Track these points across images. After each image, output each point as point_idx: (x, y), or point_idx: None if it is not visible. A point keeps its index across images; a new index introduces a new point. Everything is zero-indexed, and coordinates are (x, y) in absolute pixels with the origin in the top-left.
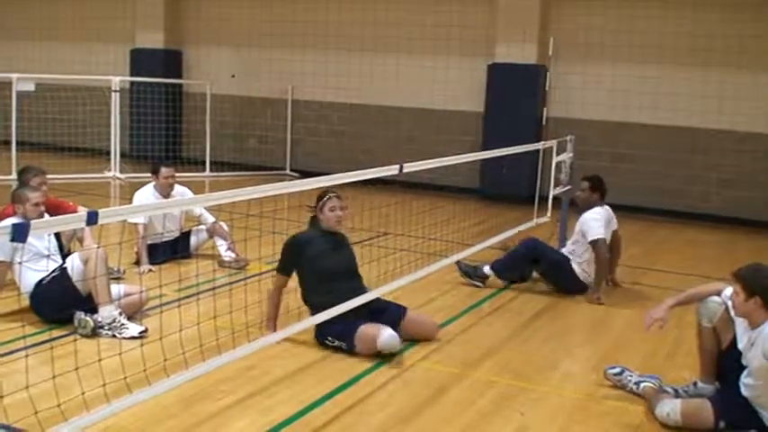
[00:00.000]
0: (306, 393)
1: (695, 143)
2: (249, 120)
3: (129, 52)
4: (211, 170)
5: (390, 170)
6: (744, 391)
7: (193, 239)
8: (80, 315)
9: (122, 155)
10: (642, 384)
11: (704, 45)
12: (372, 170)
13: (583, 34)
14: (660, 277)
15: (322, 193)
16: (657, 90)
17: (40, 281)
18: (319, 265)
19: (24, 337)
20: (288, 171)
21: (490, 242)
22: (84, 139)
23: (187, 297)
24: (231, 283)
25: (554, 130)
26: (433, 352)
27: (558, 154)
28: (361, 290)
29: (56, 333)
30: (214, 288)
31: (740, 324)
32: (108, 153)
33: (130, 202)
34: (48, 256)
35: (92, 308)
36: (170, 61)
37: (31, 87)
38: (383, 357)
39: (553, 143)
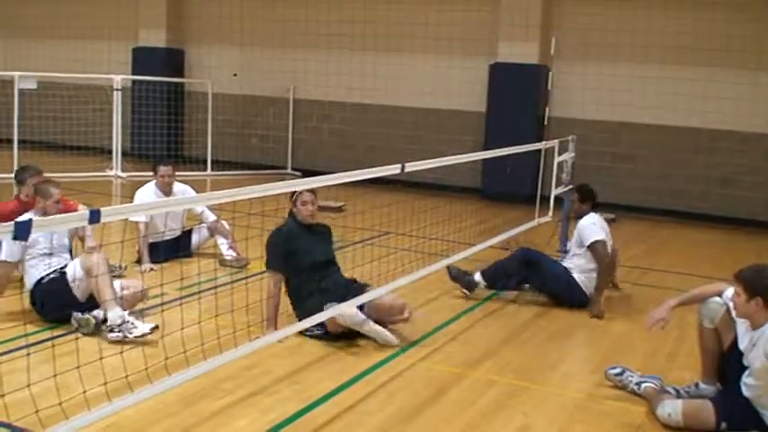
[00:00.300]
0: (307, 392)
1: (697, 143)
2: (251, 119)
3: (132, 51)
4: (213, 169)
5: (392, 169)
6: (745, 392)
7: (195, 238)
8: (77, 315)
9: (124, 153)
10: (643, 385)
11: (706, 45)
12: (374, 169)
13: (585, 34)
14: (661, 277)
15: None
16: (659, 90)
17: (40, 280)
18: (297, 257)
19: (26, 336)
20: (289, 170)
21: (492, 242)
22: (86, 138)
23: (188, 296)
24: (232, 282)
25: (556, 130)
26: (433, 352)
27: (559, 154)
28: (339, 280)
29: (57, 332)
30: (215, 287)
31: (741, 325)
32: (110, 152)
33: (131, 201)
34: (50, 254)
35: (89, 307)
36: (172, 60)
37: (32, 85)
38: (384, 357)
39: (555, 143)
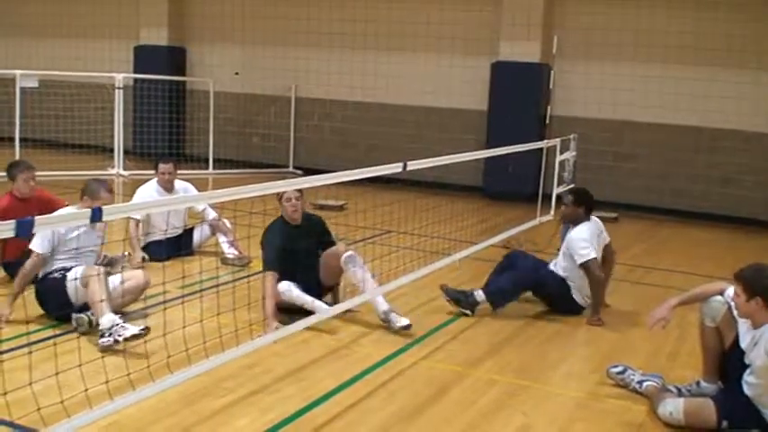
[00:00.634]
0: (308, 391)
1: (698, 142)
2: (252, 117)
3: (133, 49)
4: (214, 167)
5: (394, 168)
6: (746, 390)
7: (196, 236)
8: (75, 316)
9: (126, 152)
10: (645, 383)
11: (707, 44)
12: (376, 168)
13: (586, 33)
14: (663, 276)
15: None
16: (661, 89)
17: (45, 276)
18: (284, 254)
19: (27, 334)
20: (291, 169)
21: (493, 241)
22: (88, 136)
23: (190, 294)
24: (234, 281)
25: (557, 129)
26: (434, 350)
27: (561, 152)
28: (313, 278)
29: (59, 330)
30: (217, 285)
31: (743, 323)
32: (111, 150)
33: (131, 199)
34: (76, 257)
35: (87, 308)
36: (174, 58)
37: (34, 84)
38: (385, 355)
39: (556, 142)
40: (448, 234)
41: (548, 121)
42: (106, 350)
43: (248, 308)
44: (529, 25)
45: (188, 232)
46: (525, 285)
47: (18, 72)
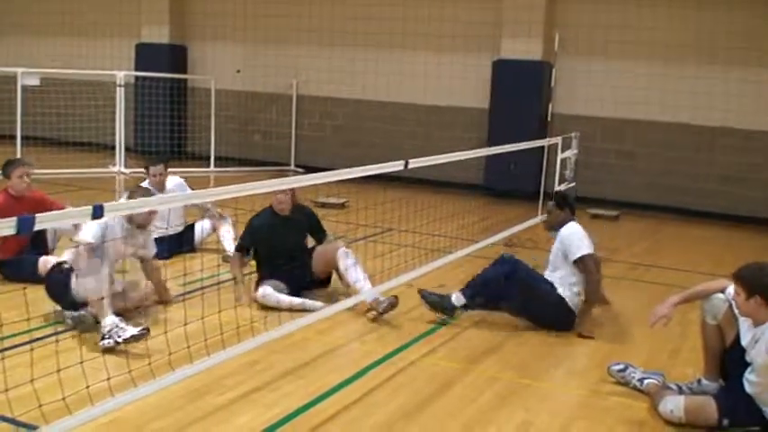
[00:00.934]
0: (310, 388)
1: (700, 141)
2: (254, 115)
3: (135, 47)
4: (216, 165)
5: (396, 166)
6: (747, 388)
7: (198, 232)
8: (72, 314)
9: (127, 149)
10: (646, 381)
11: (709, 42)
12: (377, 166)
13: (588, 30)
14: (663, 274)
15: None
16: (662, 87)
17: (53, 267)
18: (266, 241)
19: (29, 331)
20: (292, 166)
21: (495, 239)
22: (89, 134)
23: (192, 291)
24: (236, 278)
25: (559, 127)
26: (436, 348)
27: (563, 150)
28: (299, 274)
29: (60, 327)
30: (219, 283)
31: (744, 321)
32: (113, 148)
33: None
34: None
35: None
36: (175, 56)
37: (35, 82)
38: (387, 352)
39: (558, 140)
40: (449, 232)
41: (549, 119)
42: (107, 350)
43: (249, 305)
44: (530, 23)
45: (189, 228)
46: (503, 272)
47: (20, 70)
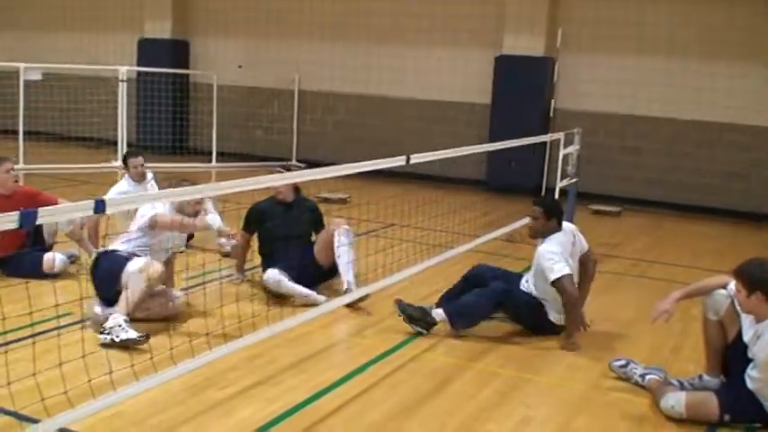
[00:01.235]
0: (311, 382)
1: (703, 136)
2: (256, 110)
3: (137, 42)
4: (218, 161)
5: (397, 161)
6: (749, 384)
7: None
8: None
9: (129, 144)
10: (647, 377)
11: (713, 37)
12: (379, 161)
13: (591, 26)
14: (666, 270)
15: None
16: (666, 83)
17: (113, 250)
18: (267, 226)
19: (32, 325)
20: (294, 161)
21: (496, 234)
22: (91, 129)
23: (194, 286)
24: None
25: (561, 123)
26: (437, 343)
27: (565, 146)
28: (300, 256)
29: (63, 321)
30: (220, 278)
31: (746, 317)
32: (115, 143)
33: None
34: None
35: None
36: (177, 51)
37: (37, 77)
38: (387, 348)
39: (560, 135)
40: (451, 227)
41: (552, 115)
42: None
43: (251, 300)
44: (533, 18)
45: None
46: (493, 304)
47: (22, 65)
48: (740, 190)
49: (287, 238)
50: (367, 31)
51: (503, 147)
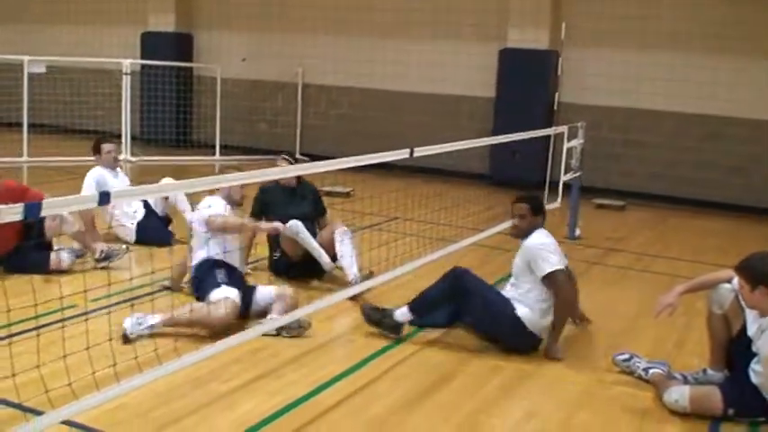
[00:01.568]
0: (314, 376)
1: (707, 130)
2: (259, 103)
3: (141, 35)
4: (221, 154)
5: (401, 154)
6: (753, 379)
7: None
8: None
9: (133, 138)
10: (651, 371)
11: (717, 31)
12: (383, 154)
13: (595, 19)
14: (669, 264)
15: None
16: (670, 76)
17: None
18: (272, 209)
19: (36, 317)
20: (298, 155)
21: (500, 228)
22: (95, 122)
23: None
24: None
25: (565, 116)
26: (440, 337)
27: (569, 140)
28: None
29: (67, 313)
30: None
31: (750, 311)
32: (119, 136)
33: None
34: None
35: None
36: (181, 44)
37: (41, 69)
38: (390, 342)
39: (564, 129)
40: (454, 221)
41: (556, 108)
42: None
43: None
44: (537, 12)
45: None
46: (447, 289)
47: (26, 58)
48: (744, 184)
49: (293, 219)
50: (371, 25)
51: (506, 140)
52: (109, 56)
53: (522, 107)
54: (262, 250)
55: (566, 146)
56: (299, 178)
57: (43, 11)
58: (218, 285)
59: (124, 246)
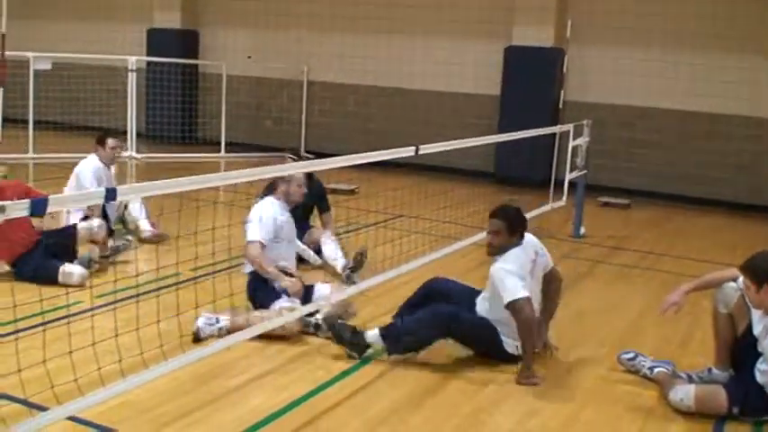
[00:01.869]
0: (319, 372)
1: (713, 128)
2: (265, 101)
3: (146, 32)
4: (226, 151)
5: (406, 152)
6: (759, 378)
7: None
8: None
9: (138, 135)
10: (655, 369)
11: (724, 29)
12: (388, 151)
13: (601, 17)
14: (675, 263)
15: None
16: (676, 74)
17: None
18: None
19: (42, 313)
20: (303, 152)
21: None
22: (101, 119)
23: (203, 275)
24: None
25: (571, 114)
26: None
27: (574, 138)
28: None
29: (73, 309)
30: (229, 268)
31: (756, 311)
32: (124, 132)
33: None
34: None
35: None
36: (186, 42)
37: (47, 66)
38: None
39: (570, 127)
40: (459, 219)
41: (561, 107)
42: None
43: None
44: (542, 9)
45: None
46: (438, 331)
47: (31, 54)
48: (751, 182)
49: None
50: (376, 23)
51: (511, 138)
52: (114, 53)
53: (528, 105)
54: None
55: (571, 144)
56: (309, 178)
57: (49, 7)
58: (278, 296)
59: (129, 237)
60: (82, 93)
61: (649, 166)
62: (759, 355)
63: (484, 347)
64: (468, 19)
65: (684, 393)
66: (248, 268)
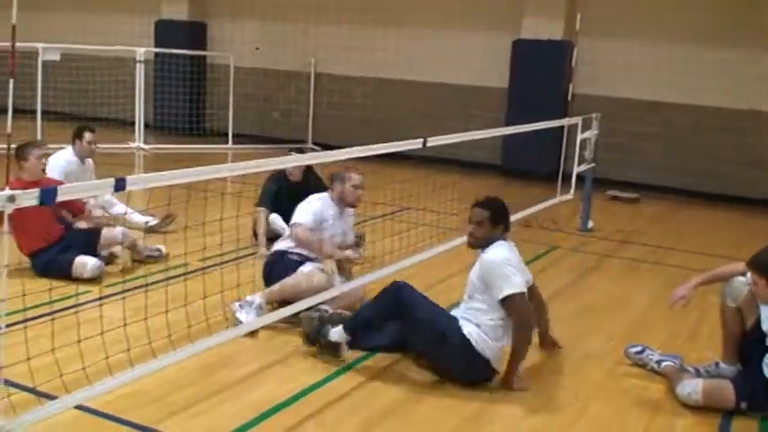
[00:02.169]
0: (324, 364)
1: (723, 123)
2: (272, 92)
3: (154, 23)
4: (234, 142)
5: (414, 144)
6: (766, 373)
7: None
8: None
9: (146, 126)
10: (663, 363)
11: (733, 23)
12: (396, 143)
13: (610, 10)
14: (683, 257)
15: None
16: (684, 69)
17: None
18: (278, 203)
19: (50, 302)
20: (310, 144)
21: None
22: (109, 110)
23: (212, 266)
24: (253, 254)
25: (579, 107)
26: None
27: (583, 131)
28: None
29: (82, 299)
30: (237, 258)
31: (765, 306)
32: (132, 123)
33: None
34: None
35: None
36: (194, 33)
37: (56, 57)
38: None
39: (578, 120)
40: (466, 211)
41: (569, 100)
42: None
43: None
44: (551, 2)
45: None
46: (387, 307)
47: (40, 45)
48: (760, 177)
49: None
50: (384, 15)
51: (519, 131)
52: (123, 44)
53: (536, 98)
54: None
55: (579, 137)
56: (306, 172)
57: None
58: (302, 262)
59: (161, 248)
60: (90, 84)
61: (658, 161)
62: (767, 350)
63: (454, 358)
64: (477, 11)
65: (692, 388)
66: (262, 252)
